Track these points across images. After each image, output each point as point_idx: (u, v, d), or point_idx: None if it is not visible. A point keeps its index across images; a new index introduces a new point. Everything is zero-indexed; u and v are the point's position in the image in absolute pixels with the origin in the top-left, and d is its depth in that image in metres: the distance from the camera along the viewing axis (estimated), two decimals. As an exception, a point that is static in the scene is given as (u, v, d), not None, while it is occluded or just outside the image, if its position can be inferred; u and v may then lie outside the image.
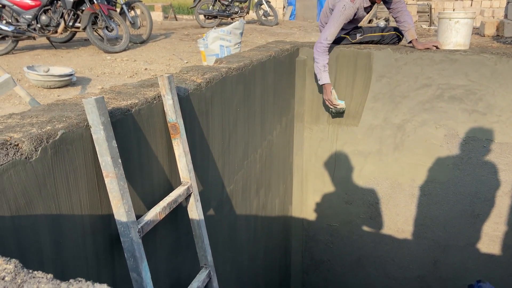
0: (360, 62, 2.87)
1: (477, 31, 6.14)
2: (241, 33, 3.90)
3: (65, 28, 4.59)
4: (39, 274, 0.55)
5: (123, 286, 1.22)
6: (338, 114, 3.00)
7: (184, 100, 1.47)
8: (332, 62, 2.90)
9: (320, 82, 2.77)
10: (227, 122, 1.90)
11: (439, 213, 3.02)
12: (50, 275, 0.55)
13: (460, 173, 2.88)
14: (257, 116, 2.34)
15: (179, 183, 1.44)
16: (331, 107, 2.86)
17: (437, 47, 2.76)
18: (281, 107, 2.82)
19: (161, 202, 1.27)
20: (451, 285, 3.14)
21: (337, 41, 2.92)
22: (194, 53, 4.77)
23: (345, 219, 3.33)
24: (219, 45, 3.71)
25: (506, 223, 2.86)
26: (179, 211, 1.50)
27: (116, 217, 1.07)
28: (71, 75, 3.35)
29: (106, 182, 1.05)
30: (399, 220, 3.15)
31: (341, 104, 2.84)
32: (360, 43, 3.00)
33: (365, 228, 3.28)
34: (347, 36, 2.98)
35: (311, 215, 3.44)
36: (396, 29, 2.96)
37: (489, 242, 2.94)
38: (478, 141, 2.78)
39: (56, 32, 4.57)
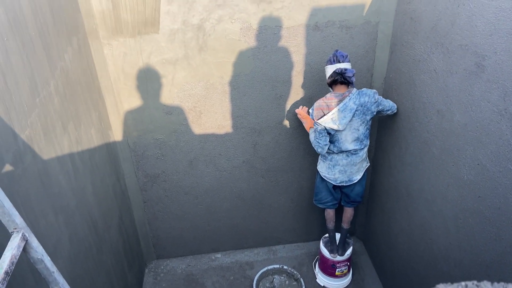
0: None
1: None
2: None
3: None
4: None
5: None
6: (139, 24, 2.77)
7: None
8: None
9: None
10: (-6, 58, 1.54)
11: (249, 102, 3.31)
12: None
13: (260, 62, 3.13)
14: (36, 41, 1.97)
15: None
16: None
17: None
18: (67, 24, 2.43)
19: None
20: (270, 160, 3.64)
21: None
22: None
23: (169, 129, 3.35)
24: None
25: (302, 99, 3.35)
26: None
27: None
28: None
29: None
30: (218, 117, 3.34)
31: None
32: None
33: (190, 133, 3.39)
34: None
35: (135, 134, 3.34)
36: None
37: (292, 117, 3.43)
38: (269, 29, 3.00)
39: None
